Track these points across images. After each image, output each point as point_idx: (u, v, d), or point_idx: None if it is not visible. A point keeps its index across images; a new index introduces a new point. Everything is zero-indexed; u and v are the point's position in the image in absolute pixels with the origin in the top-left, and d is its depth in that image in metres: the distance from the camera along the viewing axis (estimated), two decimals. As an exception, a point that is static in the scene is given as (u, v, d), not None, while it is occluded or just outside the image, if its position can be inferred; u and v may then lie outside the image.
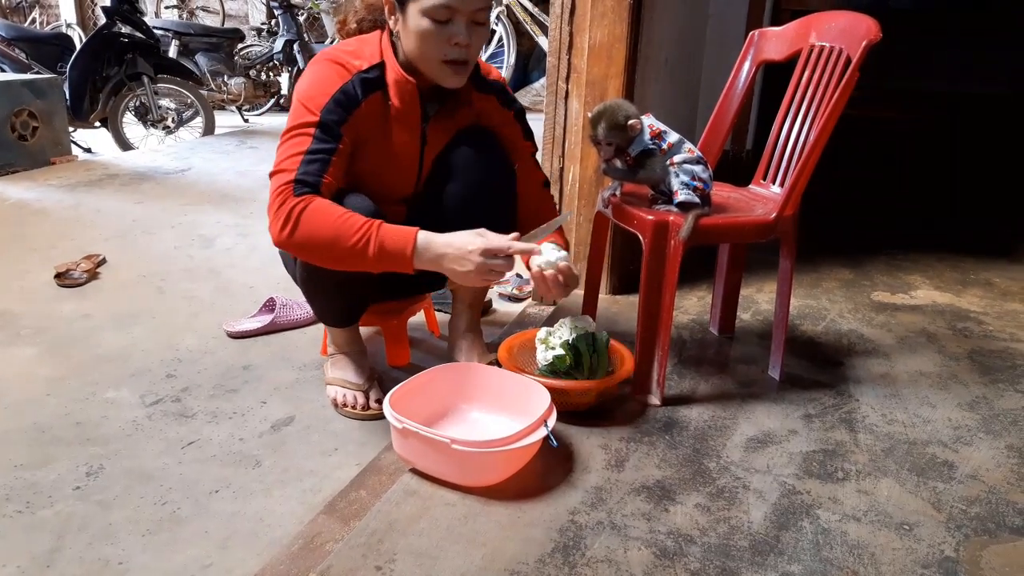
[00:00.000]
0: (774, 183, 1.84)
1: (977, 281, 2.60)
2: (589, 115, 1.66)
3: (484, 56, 6.23)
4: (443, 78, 1.47)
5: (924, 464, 1.51)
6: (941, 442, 1.59)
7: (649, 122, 1.66)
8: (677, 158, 1.65)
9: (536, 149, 1.74)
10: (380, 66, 1.50)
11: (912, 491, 1.42)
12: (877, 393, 1.80)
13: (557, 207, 1.82)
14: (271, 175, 1.43)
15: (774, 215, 1.66)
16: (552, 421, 1.41)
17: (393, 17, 1.47)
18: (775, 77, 3.00)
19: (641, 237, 1.66)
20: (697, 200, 1.63)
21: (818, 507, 1.36)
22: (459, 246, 1.37)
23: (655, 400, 1.70)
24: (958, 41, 3.83)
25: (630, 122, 1.62)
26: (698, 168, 1.65)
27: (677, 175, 1.64)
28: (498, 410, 1.55)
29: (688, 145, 1.68)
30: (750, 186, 1.92)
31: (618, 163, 1.69)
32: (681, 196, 1.63)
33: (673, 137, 1.67)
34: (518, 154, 1.68)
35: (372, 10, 1.59)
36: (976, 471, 1.49)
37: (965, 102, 4.00)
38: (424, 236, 1.38)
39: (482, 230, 1.40)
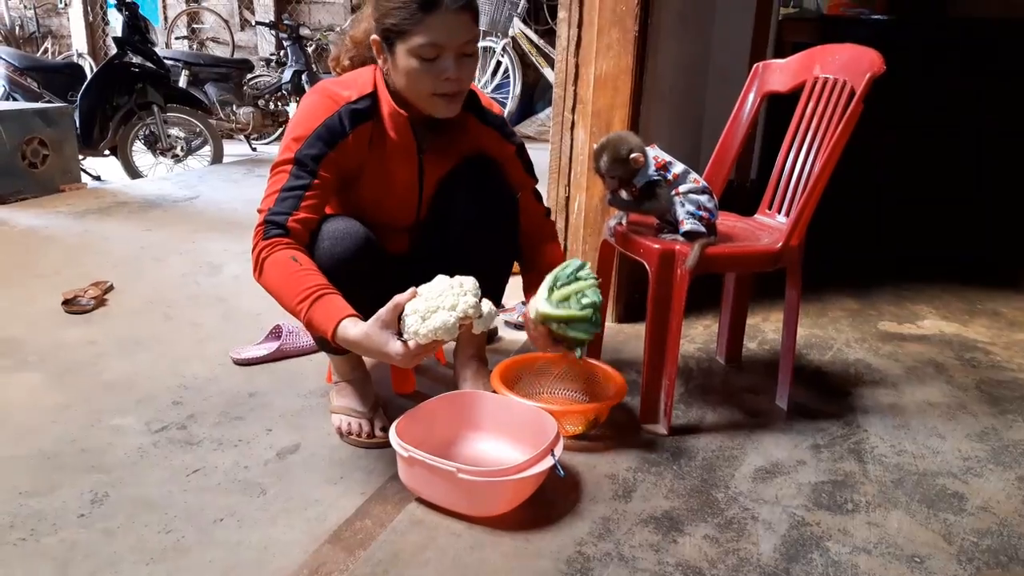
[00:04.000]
0: (779, 212, 1.84)
1: (984, 311, 2.59)
2: (594, 147, 1.67)
3: (490, 87, 6.32)
4: (435, 110, 1.48)
5: (934, 496, 1.50)
6: (951, 473, 1.58)
7: (654, 153, 1.68)
8: (682, 188, 1.66)
9: (536, 182, 1.75)
10: (372, 95, 1.52)
11: (923, 523, 1.41)
12: (886, 423, 1.78)
13: (558, 234, 1.81)
14: (257, 212, 1.46)
15: (780, 245, 1.67)
16: (559, 450, 1.40)
17: (382, 57, 1.48)
18: (778, 107, 3.03)
19: (647, 266, 1.67)
20: (703, 229, 1.64)
21: (828, 539, 1.35)
22: (377, 351, 1.31)
23: (662, 429, 1.69)
24: (962, 72, 3.86)
25: (632, 155, 1.63)
26: (703, 198, 1.66)
27: (683, 204, 1.65)
28: (504, 439, 1.55)
29: (693, 175, 1.69)
30: (755, 216, 1.92)
31: (624, 194, 1.70)
32: (687, 226, 1.64)
33: (678, 168, 1.68)
34: (520, 188, 1.69)
35: (360, 46, 1.60)
36: (987, 503, 1.48)
37: (970, 132, 4.02)
38: (343, 328, 1.32)
39: (380, 313, 1.30)
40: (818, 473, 1.56)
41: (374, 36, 1.46)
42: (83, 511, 1.37)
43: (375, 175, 1.56)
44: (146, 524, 1.34)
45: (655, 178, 1.65)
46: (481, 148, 1.64)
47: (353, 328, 1.32)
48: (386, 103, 1.51)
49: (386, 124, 1.52)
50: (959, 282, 2.88)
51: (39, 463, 1.53)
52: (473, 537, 1.32)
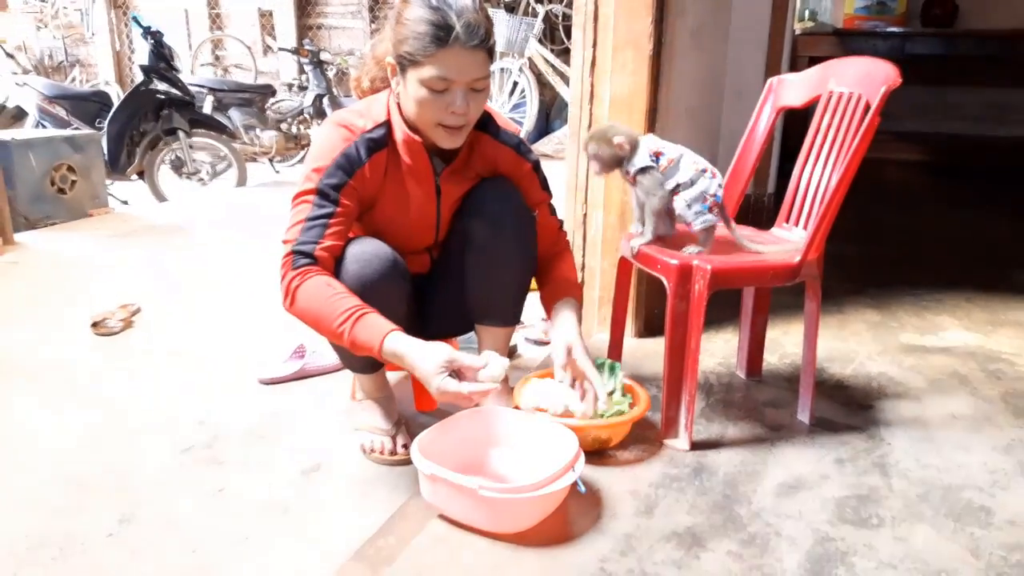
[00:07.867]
0: (797, 226, 1.85)
1: (1007, 321, 2.56)
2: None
3: (508, 107, 6.37)
4: (438, 139, 1.50)
5: (960, 509, 1.48)
6: (977, 487, 1.56)
7: (650, 143, 1.70)
8: (681, 179, 1.68)
9: (551, 197, 1.76)
10: (386, 124, 1.55)
11: (949, 537, 1.39)
12: (910, 436, 1.77)
13: (577, 251, 1.83)
14: (282, 242, 1.48)
15: (798, 258, 1.67)
16: (580, 466, 1.41)
17: (395, 79, 1.51)
18: (793, 120, 3.03)
19: (665, 281, 1.68)
20: (715, 220, 1.68)
21: (853, 554, 1.34)
22: (421, 373, 1.36)
23: (683, 445, 1.69)
24: (978, 84, 3.85)
25: (616, 140, 1.68)
26: (704, 183, 1.68)
27: (689, 206, 1.67)
28: (526, 455, 1.55)
29: (691, 159, 1.70)
30: (772, 229, 1.92)
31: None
32: (697, 225, 1.67)
33: (673, 153, 1.70)
34: (536, 205, 1.70)
35: (382, 65, 1.63)
36: (1014, 517, 1.46)
37: (985, 144, 4.00)
38: (391, 343, 1.37)
39: (451, 356, 1.36)
40: (842, 487, 1.55)
41: (389, 59, 1.50)
42: (111, 531, 1.40)
43: (392, 198, 1.59)
44: (172, 544, 1.36)
45: (647, 164, 1.69)
46: (497, 167, 1.66)
47: (404, 345, 1.38)
48: (400, 130, 1.54)
49: (401, 150, 1.55)
50: (981, 292, 2.85)
51: (67, 484, 1.56)
52: (496, 554, 1.33)
